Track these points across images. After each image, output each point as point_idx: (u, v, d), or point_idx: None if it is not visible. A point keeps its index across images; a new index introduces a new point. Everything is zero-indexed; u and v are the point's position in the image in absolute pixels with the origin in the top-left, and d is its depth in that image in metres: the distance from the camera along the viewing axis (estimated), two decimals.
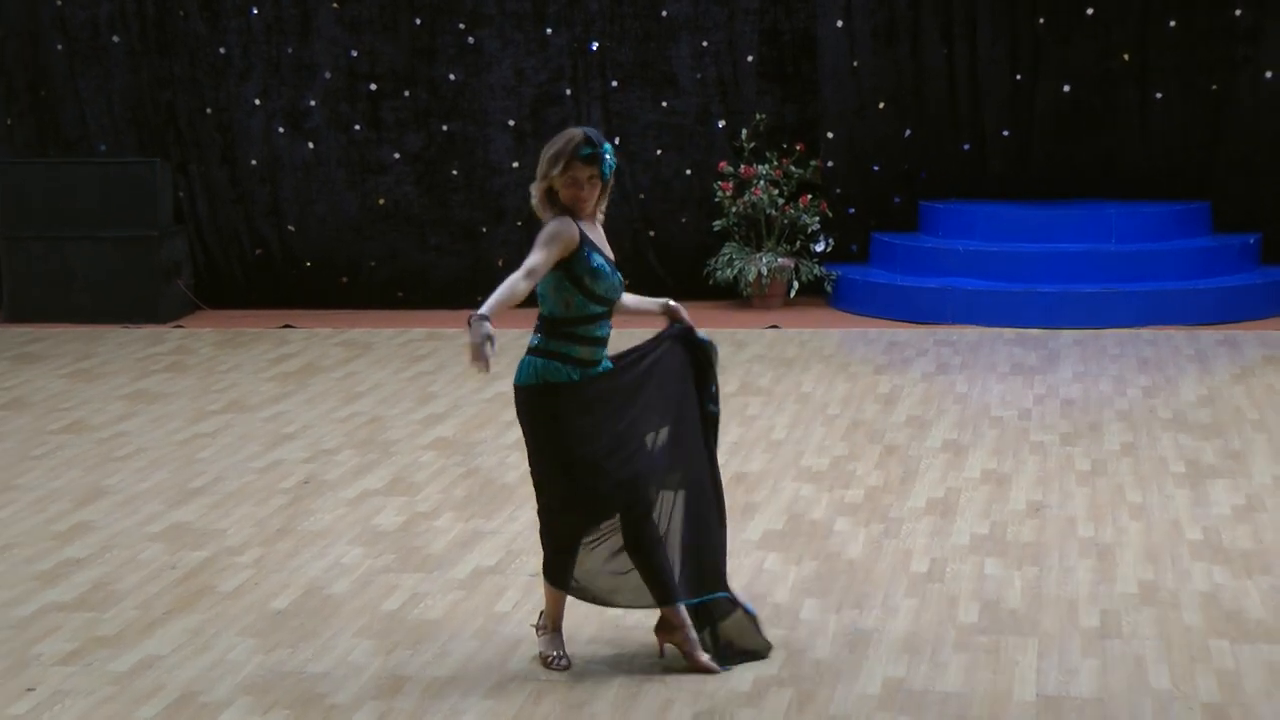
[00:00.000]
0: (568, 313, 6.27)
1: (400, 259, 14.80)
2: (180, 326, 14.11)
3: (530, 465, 6.43)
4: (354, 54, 14.64)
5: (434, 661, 6.60)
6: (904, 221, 14.74)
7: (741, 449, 9.62)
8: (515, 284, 6.11)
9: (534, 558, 7.79)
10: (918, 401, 10.74)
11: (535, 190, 6.29)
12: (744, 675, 6.38)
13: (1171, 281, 13.49)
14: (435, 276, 14.78)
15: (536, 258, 6.15)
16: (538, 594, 7.29)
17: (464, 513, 8.57)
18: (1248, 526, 8.05)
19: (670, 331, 6.58)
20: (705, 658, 6.41)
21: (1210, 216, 14.32)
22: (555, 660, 6.49)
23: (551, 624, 6.57)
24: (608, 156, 6.27)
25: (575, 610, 6.81)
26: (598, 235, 6.33)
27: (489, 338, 5.97)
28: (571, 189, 6.23)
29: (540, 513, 6.45)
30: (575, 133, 6.29)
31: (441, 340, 13.23)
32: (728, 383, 11.35)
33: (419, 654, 6.67)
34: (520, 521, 8.36)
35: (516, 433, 10.07)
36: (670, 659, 6.48)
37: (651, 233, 14.74)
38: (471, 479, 9.21)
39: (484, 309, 6.03)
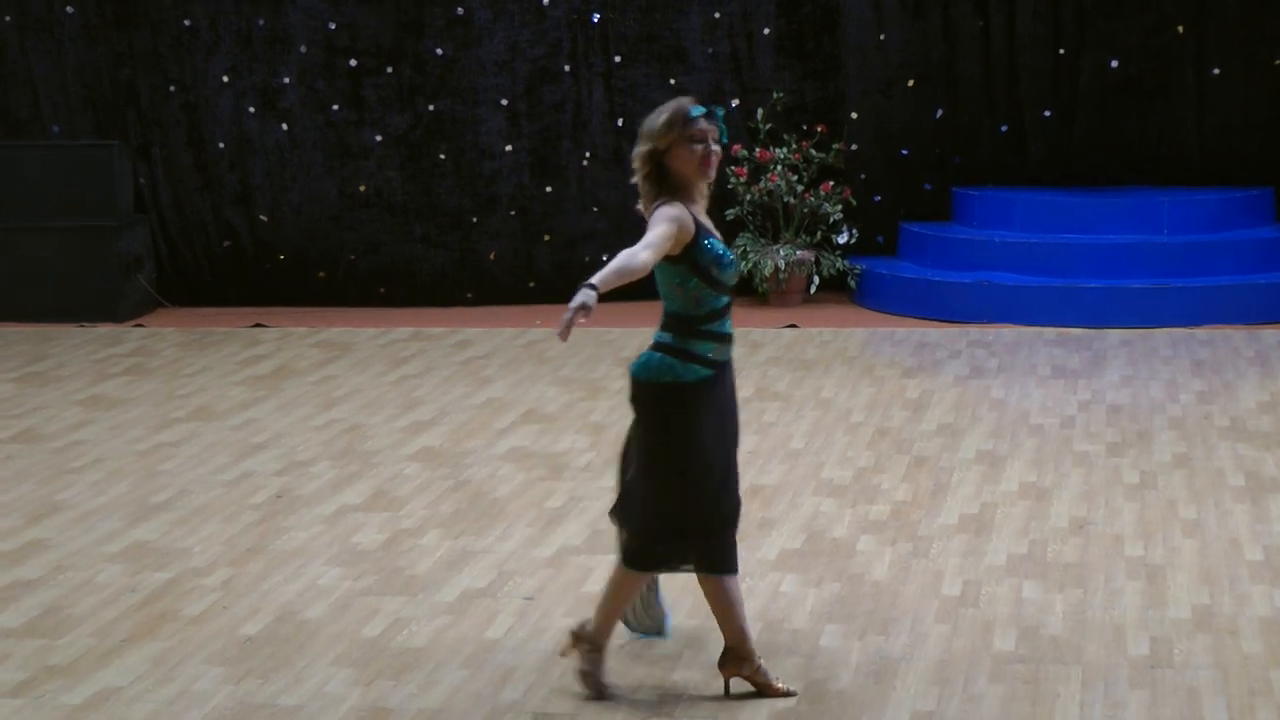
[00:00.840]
0: (699, 309, 6.31)
1: (383, 251, 14.82)
2: (141, 325, 14.13)
3: (643, 460, 6.42)
4: (332, 26, 14.65)
5: (419, 693, 6.61)
6: (935, 210, 14.74)
7: (757, 459, 9.64)
8: (634, 255, 6.15)
9: (528, 578, 7.82)
10: (950, 408, 10.75)
11: (638, 166, 6.31)
12: (759, 709, 6.39)
13: (1229, 276, 13.50)
14: (421, 270, 14.80)
15: (658, 231, 6.17)
16: (532, 618, 7.31)
17: (452, 530, 8.58)
18: None
19: None
20: (781, 685, 6.48)
21: (1273, 205, 14.32)
22: (597, 686, 6.51)
23: (599, 639, 6.56)
24: (721, 114, 6.32)
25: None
26: (703, 214, 6.36)
27: (584, 306, 6.07)
28: (695, 153, 6.23)
29: (645, 501, 6.43)
30: (680, 99, 6.32)
31: (428, 340, 13.25)
32: (742, 387, 11.35)
33: (402, 685, 6.69)
34: (514, 540, 8.37)
35: (509, 443, 10.13)
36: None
37: None
38: (460, 493, 9.22)
39: (595, 278, 6.11)
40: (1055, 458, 9.61)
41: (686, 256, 6.24)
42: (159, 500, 9.18)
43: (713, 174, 6.30)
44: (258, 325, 13.95)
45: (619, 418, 10.68)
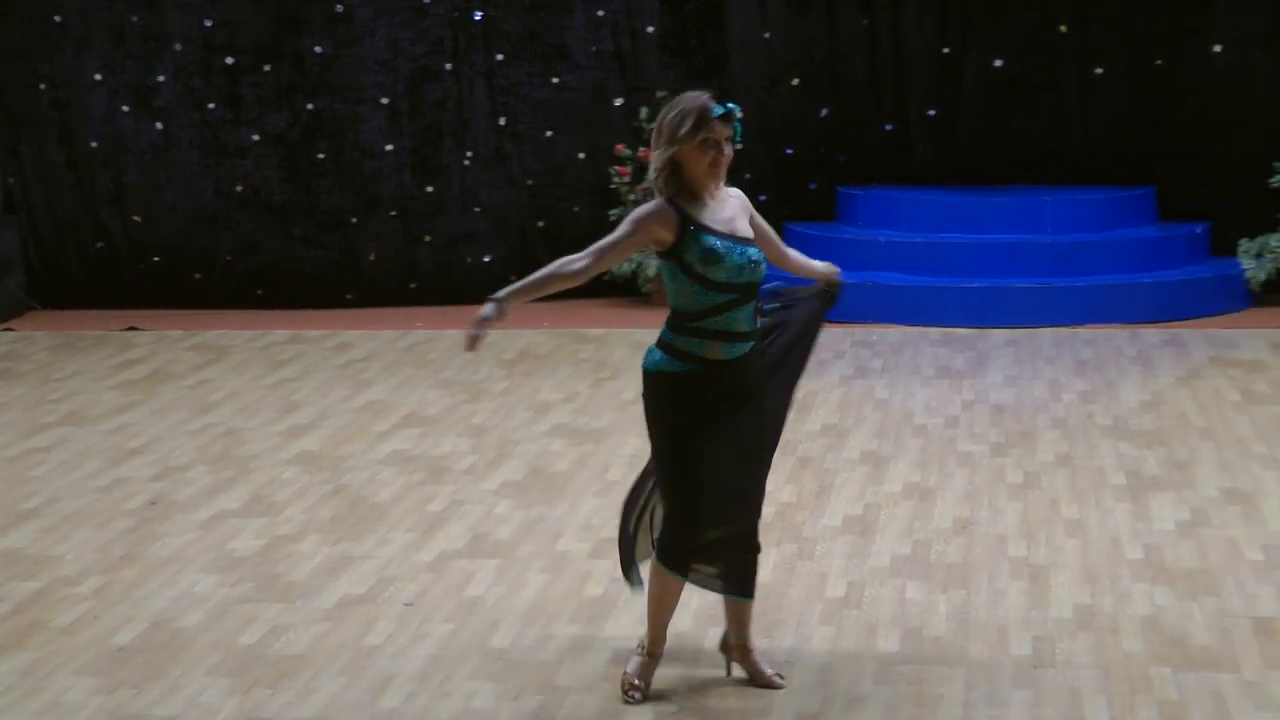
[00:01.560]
0: (692, 306, 6.28)
1: (260, 252, 14.73)
2: (10, 329, 13.99)
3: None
4: (208, 24, 14.55)
5: (297, 701, 6.58)
6: (820, 210, 14.81)
7: (639, 462, 9.63)
8: (569, 262, 6.29)
9: (408, 583, 7.80)
10: (834, 409, 10.80)
11: (655, 167, 6.28)
12: (643, 712, 6.40)
13: (1112, 275, 13.63)
14: (300, 272, 14.72)
15: (608, 238, 6.33)
16: (412, 624, 7.29)
17: (331, 535, 8.55)
18: (1193, 544, 8.16)
19: (808, 294, 6.83)
20: (770, 673, 6.62)
21: (1155, 204, 14.47)
22: (633, 691, 6.50)
23: (652, 645, 6.57)
24: (739, 115, 6.31)
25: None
26: (720, 212, 6.32)
27: (485, 319, 6.31)
28: (709, 154, 6.22)
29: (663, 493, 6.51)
30: (699, 95, 6.31)
31: (306, 343, 13.18)
32: (624, 389, 11.39)
33: (280, 693, 6.66)
34: (393, 545, 8.35)
35: (388, 446, 10.10)
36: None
37: (540, 223, 14.75)
38: (339, 498, 9.19)
39: (504, 290, 6.31)
40: (939, 458, 9.68)
41: (673, 253, 6.25)
42: (28, 507, 9.09)
43: (722, 176, 6.31)
44: (131, 329, 13.84)
45: (501, 420, 10.68)
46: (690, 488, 6.31)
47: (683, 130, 6.19)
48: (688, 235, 6.22)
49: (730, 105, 6.27)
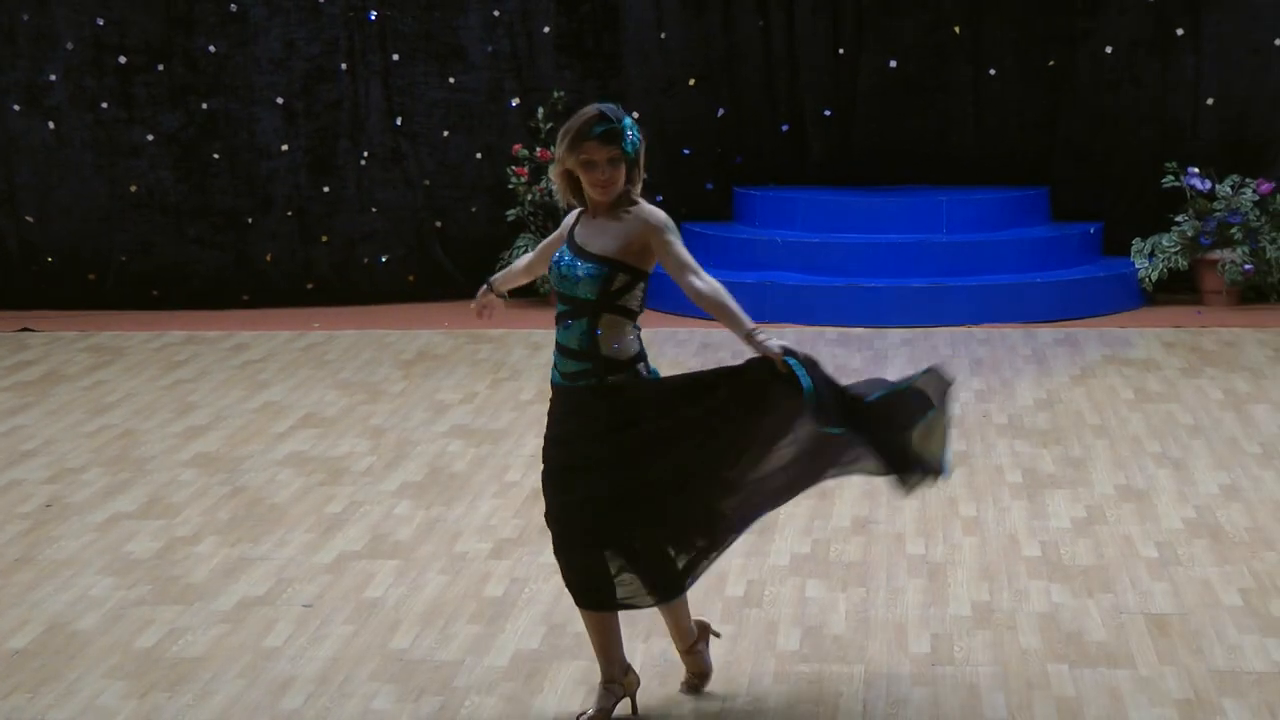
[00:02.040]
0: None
1: (155, 253, 14.63)
2: None
3: None
4: (100, 22, 14.44)
5: (195, 704, 6.54)
6: (717, 210, 14.86)
7: (539, 462, 9.61)
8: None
9: (307, 585, 7.76)
10: None
11: (554, 178, 6.22)
12: (541, 712, 6.40)
13: (1007, 275, 13.74)
14: (195, 272, 14.63)
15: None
16: (311, 626, 7.26)
17: (229, 537, 8.50)
18: (1089, 541, 8.23)
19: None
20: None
21: (1048, 204, 14.60)
22: None
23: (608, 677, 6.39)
24: (630, 132, 6.09)
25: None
26: (600, 234, 6.13)
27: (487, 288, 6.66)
28: (589, 173, 6.08)
29: None
30: (590, 108, 6.11)
31: (203, 344, 13.10)
32: (522, 389, 11.37)
33: (177, 696, 6.61)
34: (292, 546, 8.31)
35: (286, 447, 10.05)
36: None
37: (438, 223, 14.72)
38: (237, 499, 9.14)
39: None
40: None
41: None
42: None
43: (612, 193, 6.10)
44: (24, 330, 13.71)
45: (399, 420, 10.65)
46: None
47: (562, 147, 6.09)
48: (561, 249, 6.28)
49: (613, 124, 6.03)
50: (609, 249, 6.13)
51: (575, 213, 6.28)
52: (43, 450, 10.13)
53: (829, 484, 9.08)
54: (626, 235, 6.14)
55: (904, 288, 13.53)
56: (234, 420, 10.77)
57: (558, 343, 6.22)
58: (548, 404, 6.36)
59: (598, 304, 6.14)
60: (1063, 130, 14.62)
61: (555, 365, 6.25)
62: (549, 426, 6.31)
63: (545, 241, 6.50)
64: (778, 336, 6.18)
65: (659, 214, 6.20)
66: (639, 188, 6.21)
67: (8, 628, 7.32)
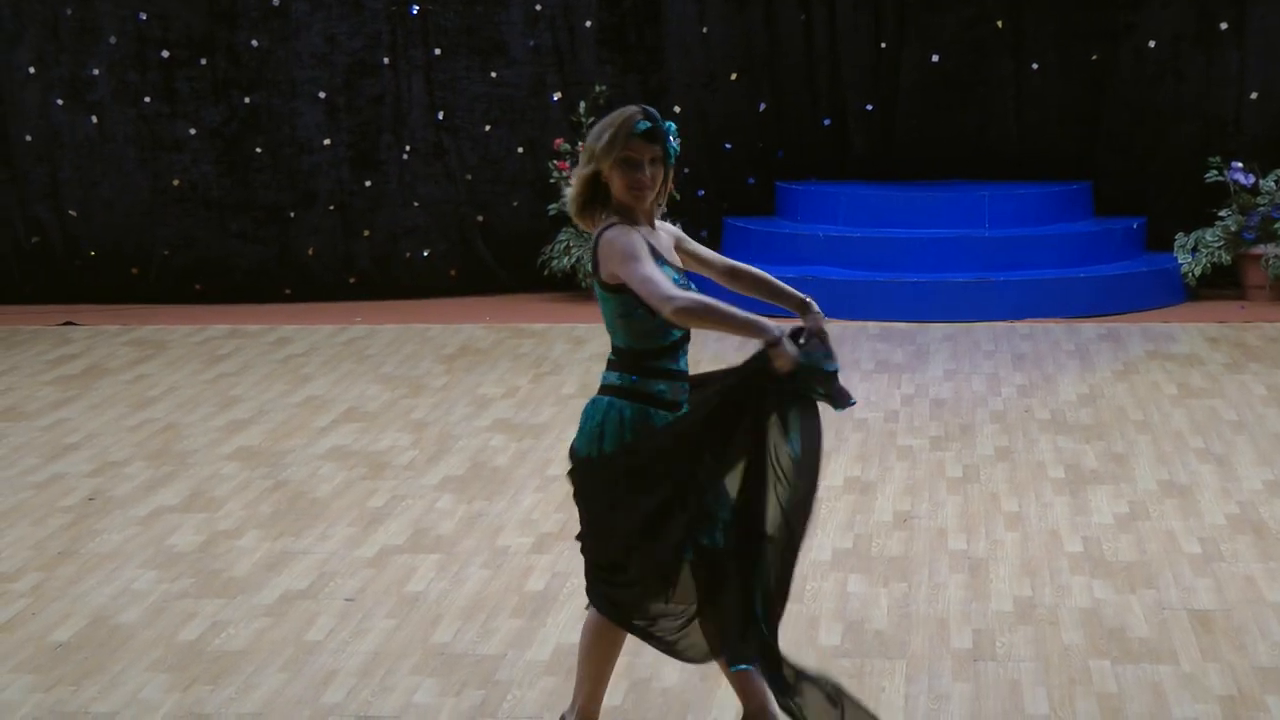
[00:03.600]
0: (650, 343, 5.64)
1: (198, 247, 14.67)
2: None
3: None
4: (143, 17, 14.48)
5: (237, 697, 6.56)
6: (759, 205, 14.85)
7: None
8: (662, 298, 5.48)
9: (349, 579, 7.78)
10: None
11: (574, 182, 5.66)
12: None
13: (1050, 270, 13.71)
14: (237, 266, 14.67)
15: (643, 270, 5.48)
16: (353, 620, 7.28)
17: (271, 531, 8.52)
18: (1131, 536, 8.22)
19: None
20: None
21: (1092, 199, 14.57)
22: None
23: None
24: (673, 138, 5.63)
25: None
26: (659, 240, 5.70)
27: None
28: (629, 173, 5.55)
29: None
30: (629, 108, 5.63)
31: (245, 338, 13.13)
32: (564, 384, 11.38)
33: (220, 689, 6.63)
34: (334, 540, 8.33)
35: (328, 441, 10.07)
36: None
37: (480, 217, 14.74)
38: (279, 493, 9.16)
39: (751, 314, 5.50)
40: (879, 452, 9.71)
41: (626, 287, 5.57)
42: None
43: (650, 198, 5.62)
44: (68, 323, 13.76)
45: (441, 415, 10.67)
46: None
47: (600, 144, 5.56)
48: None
49: (656, 123, 5.59)
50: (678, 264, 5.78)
51: (628, 227, 5.59)
52: (85, 444, 10.16)
53: (871, 478, 9.15)
54: (673, 250, 5.81)
55: (946, 282, 13.50)
56: (276, 414, 10.79)
57: (678, 372, 5.69)
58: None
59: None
60: (1105, 125, 14.58)
61: (676, 401, 5.67)
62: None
63: (647, 266, 5.58)
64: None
65: None
66: (664, 200, 5.76)
67: (51, 621, 7.35)
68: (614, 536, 5.72)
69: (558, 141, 14.39)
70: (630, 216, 5.62)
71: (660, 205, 5.74)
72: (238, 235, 14.67)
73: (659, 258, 5.59)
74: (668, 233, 5.83)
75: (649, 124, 5.56)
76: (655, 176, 5.61)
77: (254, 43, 14.51)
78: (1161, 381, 11.26)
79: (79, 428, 10.54)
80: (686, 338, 5.69)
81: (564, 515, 8.56)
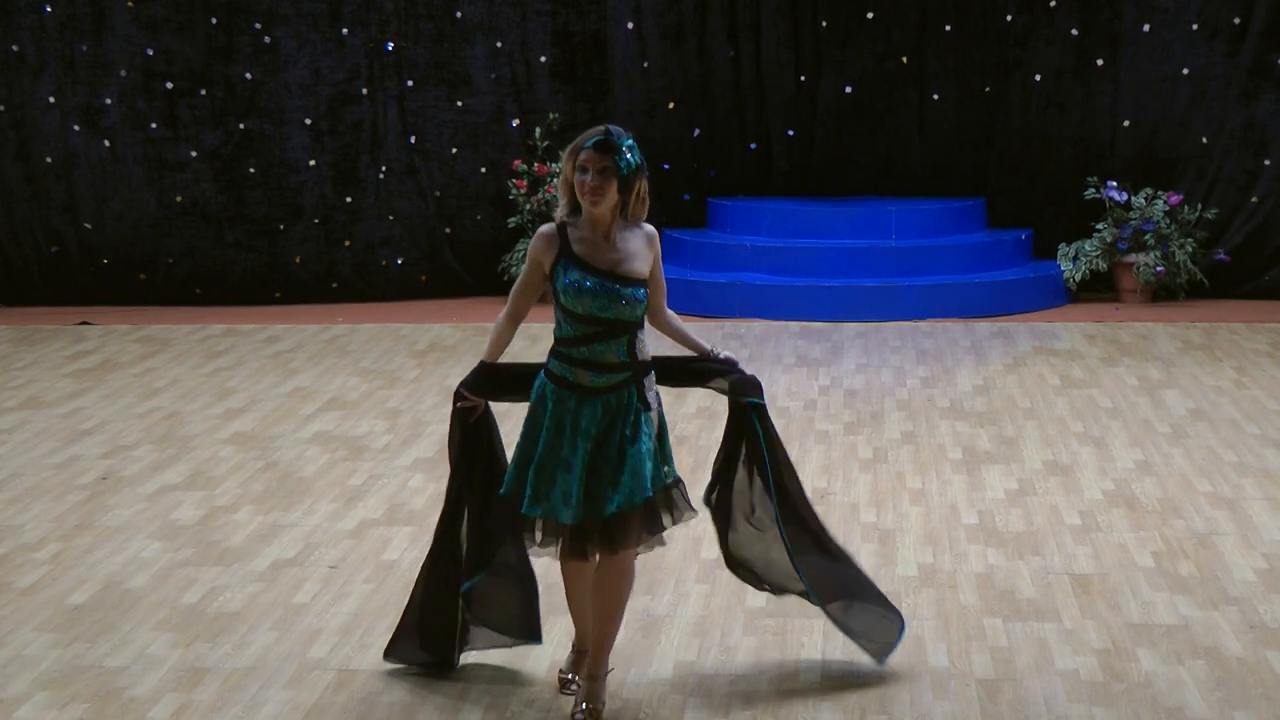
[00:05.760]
0: (558, 330, 5.83)
1: (198, 255, 14.59)
2: None
3: None
4: (150, 52, 14.39)
5: (233, 653, 6.53)
6: (694, 218, 14.85)
7: None
8: (498, 323, 6.00)
9: (332, 548, 7.75)
10: (706, 394, 10.70)
11: (559, 189, 5.84)
12: (539, 664, 6.39)
13: (948, 276, 13.74)
14: (233, 273, 14.59)
15: (517, 281, 5.95)
16: (335, 585, 7.25)
17: (263, 506, 8.49)
18: (1020, 510, 8.24)
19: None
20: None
21: (985, 213, 14.60)
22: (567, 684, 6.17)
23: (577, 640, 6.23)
24: (628, 152, 5.67)
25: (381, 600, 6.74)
26: (607, 250, 5.74)
27: (459, 396, 6.08)
28: (580, 180, 5.67)
29: None
30: (597, 127, 5.75)
31: (239, 336, 13.06)
32: None
33: (218, 646, 6.60)
34: (318, 514, 8.30)
35: (314, 427, 10.03)
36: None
37: (448, 229, 14.70)
38: (270, 473, 9.12)
39: (467, 377, 6.09)
40: (800, 436, 9.72)
41: (550, 277, 5.81)
42: None
43: (593, 202, 5.67)
44: (84, 323, 13.67)
45: (413, 403, 10.64)
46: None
47: (565, 156, 5.75)
48: (559, 263, 5.76)
49: (609, 138, 5.67)
50: (643, 271, 5.81)
51: (550, 229, 5.79)
52: (99, 430, 10.10)
53: (792, 458, 9.13)
54: (646, 253, 5.84)
55: (858, 287, 13.52)
56: (267, 403, 10.74)
57: (583, 360, 5.77)
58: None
59: (640, 321, 5.88)
60: (997, 148, 14.62)
61: (577, 375, 5.79)
62: (566, 421, 5.83)
63: (523, 283, 5.90)
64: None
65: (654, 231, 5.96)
66: (643, 212, 5.82)
67: (69, 586, 7.30)
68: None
69: (516, 162, 14.37)
70: (590, 219, 5.74)
71: (637, 211, 5.79)
72: (233, 245, 14.59)
73: (577, 262, 5.72)
74: (642, 241, 5.85)
75: (602, 138, 5.65)
76: (604, 185, 5.65)
77: (247, 75, 14.43)
78: (1046, 374, 11.30)
79: (93, 415, 10.47)
80: (592, 336, 5.75)
81: None
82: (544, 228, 5.83)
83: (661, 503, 5.94)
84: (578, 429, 5.81)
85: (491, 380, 6.04)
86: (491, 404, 6.14)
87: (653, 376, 5.94)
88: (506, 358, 6.06)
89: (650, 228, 5.92)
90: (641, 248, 5.83)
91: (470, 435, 6.11)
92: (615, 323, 5.77)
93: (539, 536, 5.95)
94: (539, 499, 5.84)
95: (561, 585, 6.15)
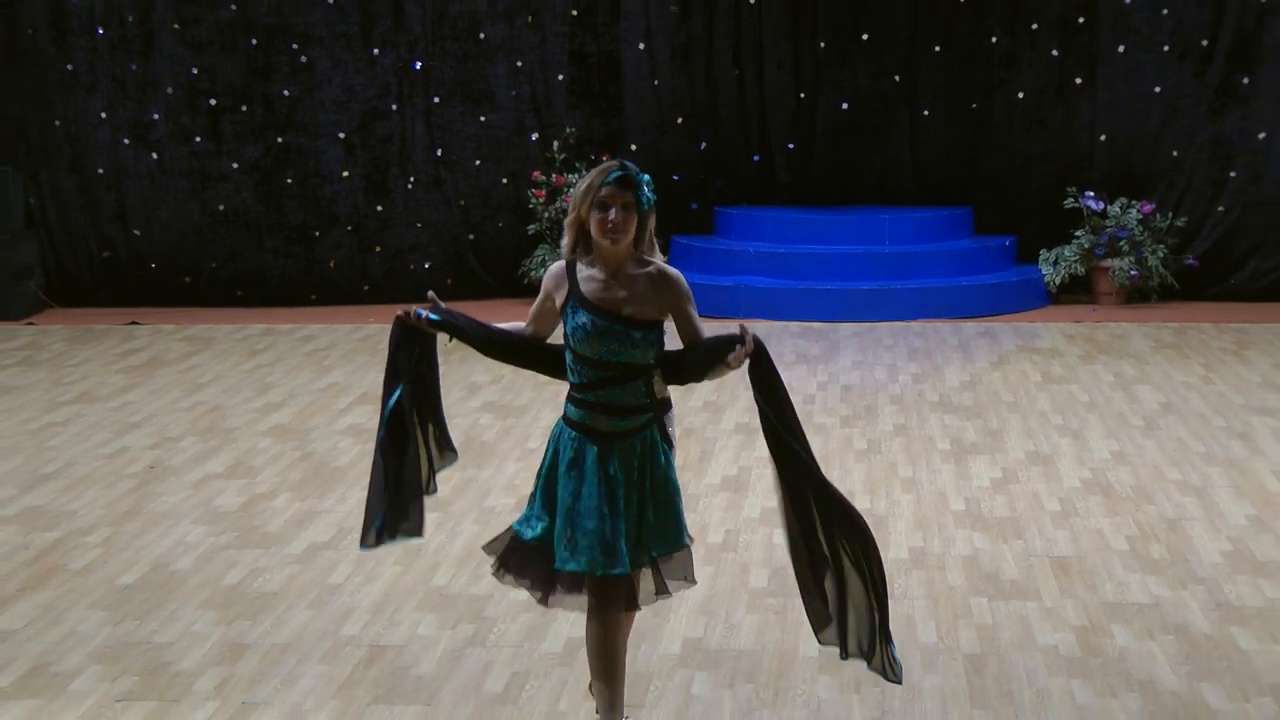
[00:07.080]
0: (572, 377, 5.26)
1: (239, 261, 14.61)
2: (32, 324, 13.80)
3: None
4: (194, 71, 14.41)
5: (272, 630, 6.54)
6: (701, 225, 14.84)
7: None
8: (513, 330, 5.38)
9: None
10: (712, 389, 10.82)
11: (566, 229, 5.21)
12: (556, 637, 6.40)
13: (938, 279, 13.74)
14: (271, 277, 14.61)
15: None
16: (367, 566, 7.26)
17: (299, 493, 8.50)
18: (1003, 497, 8.24)
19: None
20: None
21: (972, 221, 14.59)
22: None
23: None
24: (646, 188, 5.14)
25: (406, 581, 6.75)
26: (617, 285, 5.14)
27: (431, 302, 5.42)
28: (600, 215, 5.07)
29: None
30: (610, 162, 5.19)
31: (277, 335, 13.08)
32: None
33: (258, 624, 6.61)
34: (350, 501, 8.30)
35: (347, 420, 10.05)
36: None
37: (471, 236, 14.71)
38: (306, 463, 9.13)
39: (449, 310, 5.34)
40: None
41: (560, 314, 5.25)
42: (48, 471, 8.99)
43: (615, 240, 5.10)
44: (133, 323, 13.69)
45: None
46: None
47: (579, 191, 5.12)
48: (567, 302, 5.19)
49: (629, 173, 5.12)
50: (652, 313, 5.16)
51: (559, 266, 5.25)
52: (147, 422, 10.12)
53: None
54: (658, 296, 5.16)
55: (854, 290, 13.52)
56: (303, 398, 10.76)
57: (602, 403, 5.19)
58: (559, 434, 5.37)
59: (653, 364, 5.22)
60: (983, 161, 14.61)
61: (596, 421, 5.21)
62: (569, 467, 5.30)
63: (536, 308, 5.34)
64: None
65: (683, 281, 5.25)
66: (655, 250, 5.22)
67: (119, 568, 7.32)
68: None
69: (535, 173, 14.38)
70: (604, 256, 5.14)
71: (650, 251, 5.20)
72: (271, 251, 14.61)
73: (583, 303, 5.13)
74: (657, 282, 5.18)
75: (621, 173, 5.09)
76: (626, 221, 5.07)
77: (285, 92, 14.45)
78: (1028, 370, 11.30)
79: (142, 409, 10.49)
80: (607, 380, 5.18)
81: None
82: (554, 265, 5.26)
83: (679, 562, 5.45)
84: (605, 475, 5.20)
85: (461, 323, 5.39)
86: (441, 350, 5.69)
87: (673, 413, 5.37)
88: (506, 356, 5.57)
89: (673, 272, 5.23)
90: (652, 289, 5.16)
91: (409, 338, 5.66)
92: (629, 366, 5.15)
93: (561, 592, 5.35)
94: (575, 551, 5.23)
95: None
